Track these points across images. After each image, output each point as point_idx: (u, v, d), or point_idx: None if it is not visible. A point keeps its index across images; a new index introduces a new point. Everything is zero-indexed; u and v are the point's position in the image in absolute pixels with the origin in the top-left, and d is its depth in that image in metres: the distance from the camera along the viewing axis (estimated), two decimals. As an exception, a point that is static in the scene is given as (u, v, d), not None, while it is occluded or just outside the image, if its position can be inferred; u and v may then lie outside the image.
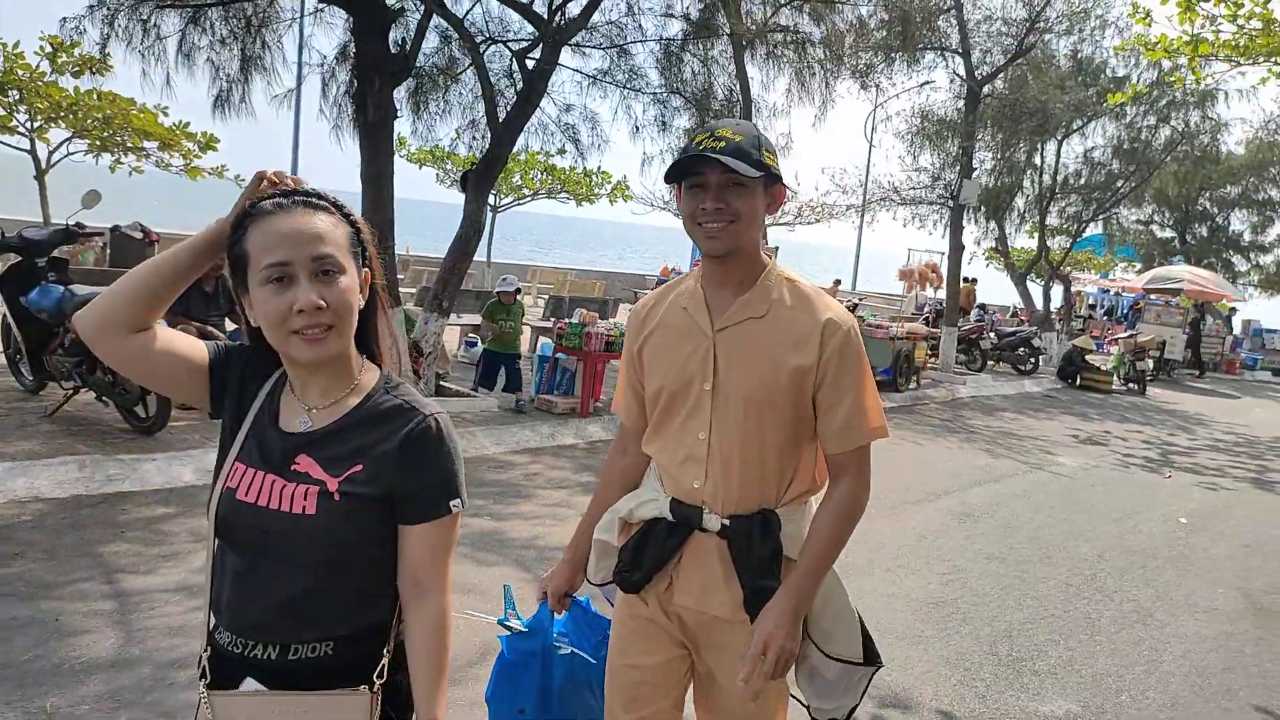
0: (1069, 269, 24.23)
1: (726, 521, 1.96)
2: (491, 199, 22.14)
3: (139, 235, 12.61)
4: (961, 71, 17.38)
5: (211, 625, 1.55)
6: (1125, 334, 19.07)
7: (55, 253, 6.84)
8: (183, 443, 6.35)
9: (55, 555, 4.45)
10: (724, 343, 1.95)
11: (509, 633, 2.26)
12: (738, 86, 14.16)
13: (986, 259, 25.10)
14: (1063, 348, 19.08)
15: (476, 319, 11.73)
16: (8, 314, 6.85)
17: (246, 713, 1.49)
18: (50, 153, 15.12)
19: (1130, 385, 17.72)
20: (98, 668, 3.47)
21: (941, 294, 21.17)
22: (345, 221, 1.49)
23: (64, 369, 6.43)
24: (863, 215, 22.65)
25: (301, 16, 10.36)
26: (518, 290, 9.77)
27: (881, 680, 4.06)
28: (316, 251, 1.41)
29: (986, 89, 17.44)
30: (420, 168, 20.92)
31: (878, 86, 18.60)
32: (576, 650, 2.27)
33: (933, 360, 16.02)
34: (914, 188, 18.89)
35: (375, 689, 1.50)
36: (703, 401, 1.96)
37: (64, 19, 9.31)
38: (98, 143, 15.40)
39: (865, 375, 1.94)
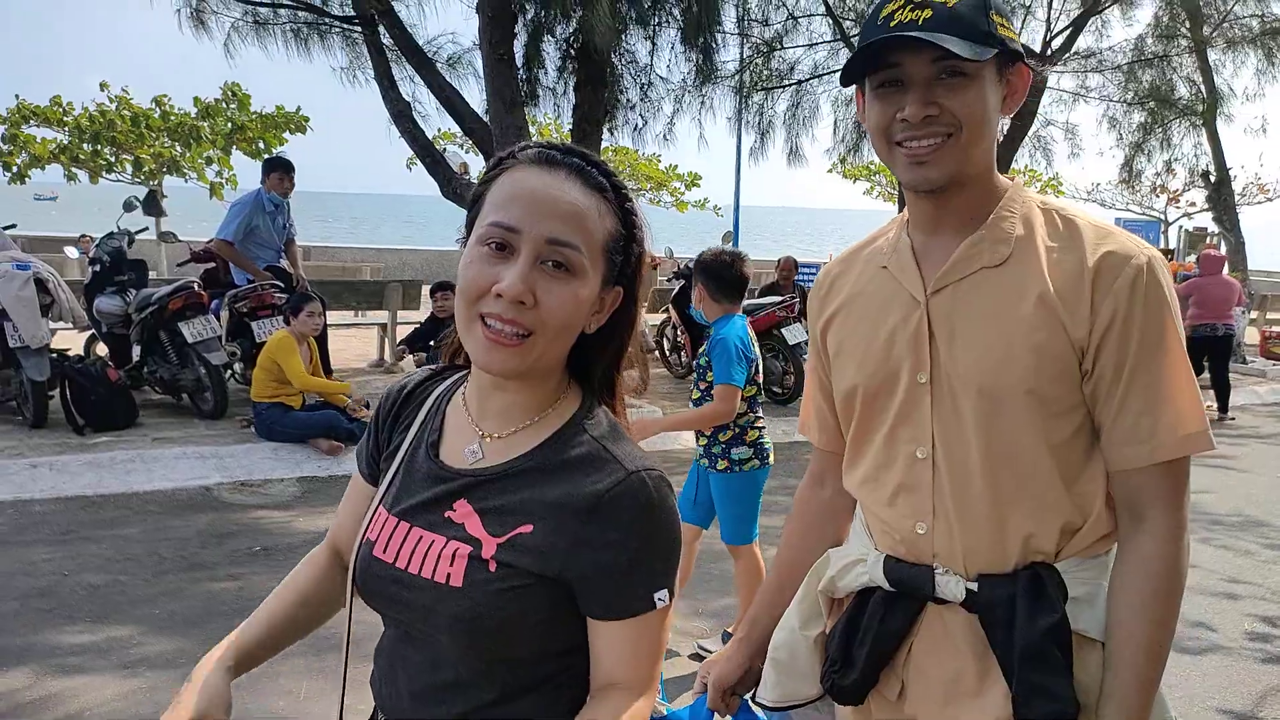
0: None
1: (973, 585, 1.31)
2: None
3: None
4: None
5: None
6: None
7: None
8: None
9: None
10: (942, 308, 1.31)
11: None
12: (1200, 80, 14.30)
13: None
14: None
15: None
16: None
17: None
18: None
19: None
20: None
21: None
22: (618, 214, 1.11)
23: None
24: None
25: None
26: None
27: None
28: (556, 234, 1.04)
29: None
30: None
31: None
32: None
33: None
34: None
35: None
36: (917, 400, 1.33)
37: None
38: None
39: (1172, 346, 1.24)
